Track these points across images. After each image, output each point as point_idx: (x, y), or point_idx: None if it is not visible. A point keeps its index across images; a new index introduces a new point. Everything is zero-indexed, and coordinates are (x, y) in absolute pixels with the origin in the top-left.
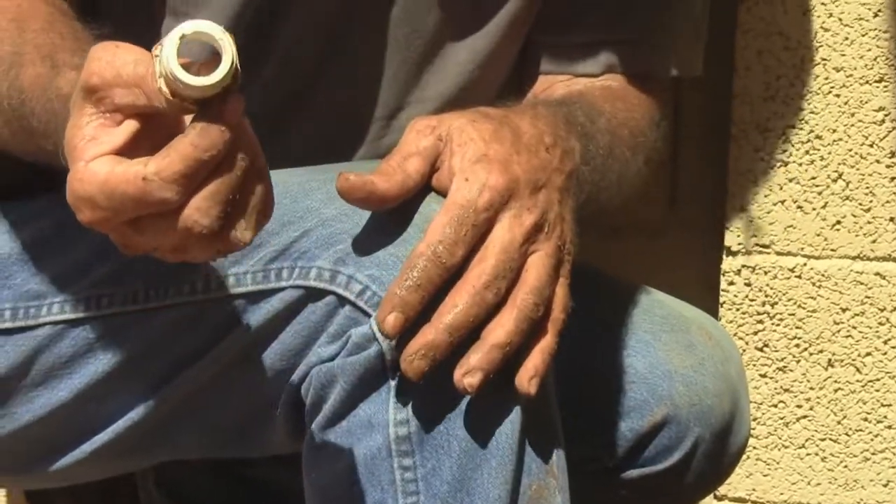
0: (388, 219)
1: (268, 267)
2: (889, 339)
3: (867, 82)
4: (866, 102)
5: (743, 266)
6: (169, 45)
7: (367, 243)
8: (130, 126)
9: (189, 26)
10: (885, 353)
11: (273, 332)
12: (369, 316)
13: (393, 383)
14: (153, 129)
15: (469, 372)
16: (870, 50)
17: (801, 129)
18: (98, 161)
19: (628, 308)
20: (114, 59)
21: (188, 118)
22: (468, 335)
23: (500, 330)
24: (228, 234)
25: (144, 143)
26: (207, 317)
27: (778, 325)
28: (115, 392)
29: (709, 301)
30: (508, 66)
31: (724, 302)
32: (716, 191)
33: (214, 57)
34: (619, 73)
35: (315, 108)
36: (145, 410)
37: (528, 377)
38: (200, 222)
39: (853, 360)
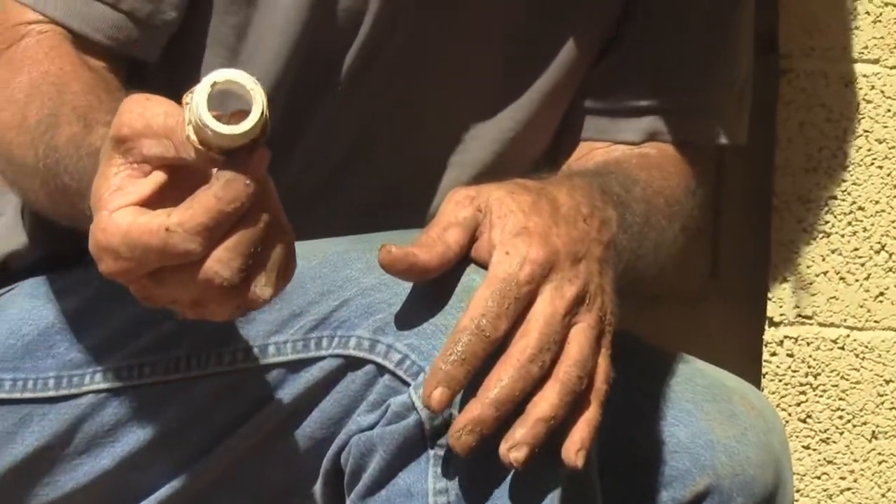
0: (428, 289)
1: (308, 336)
2: None
3: None
4: None
5: (785, 337)
6: (200, 92)
7: (406, 313)
8: (157, 177)
9: (221, 74)
10: None
11: (313, 400)
12: (408, 385)
13: (432, 452)
14: (180, 182)
15: (515, 446)
16: None
17: (844, 200)
18: (122, 211)
19: (670, 377)
20: (144, 110)
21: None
22: (514, 409)
23: (545, 404)
24: (248, 289)
25: (170, 194)
26: (248, 386)
27: (821, 396)
28: (157, 460)
29: (751, 372)
30: (549, 133)
31: (766, 373)
32: (758, 261)
33: (242, 110)
34: (660, 140)
35: (358, 176)
36: (187, 479)
37: (574, 450)
38: (221, 274)
39: None
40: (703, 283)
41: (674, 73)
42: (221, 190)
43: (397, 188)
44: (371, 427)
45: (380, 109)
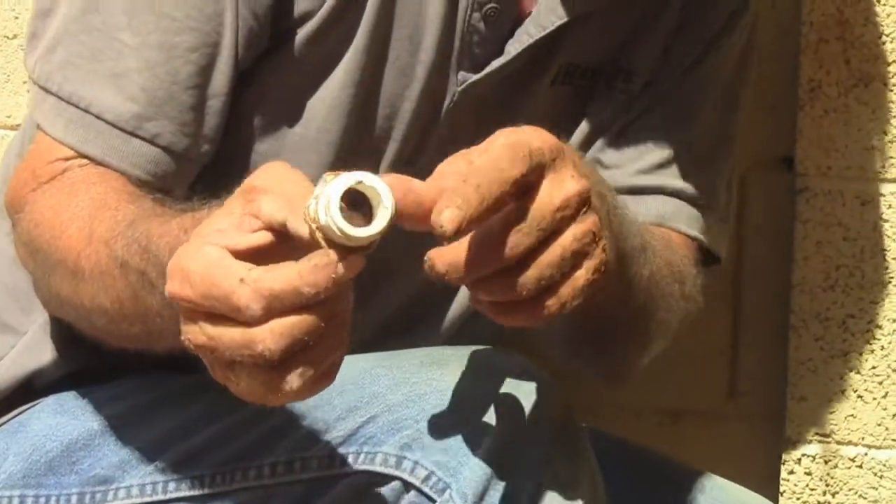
0: (455, 406)
1: (334, 452)
2: None
3: None
4: None
5: (803, 455)
6: (337, 192)
7: (433, 429)
8: (261, 237)
9: (363, 177)
10: None
11: None
12: (434, 501)
13: None
14: (278, 249)
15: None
16: None
17: (862, 318)
18: (214, 248)
19: (690, 493)
20: (284, 174)
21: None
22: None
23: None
24: (282, 378)
25: (264, 256)
26: (274, 502)
27: None
28: None
29: (769, 489)
30: None
31: (783, 491)
32: (776, 380)
33: (365, 212)
34: (671, 229)
35: (381, 294)
36: None
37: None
38: (266, 344)
39: None
40: (722, 401)
41: (683, 161)
42: (308, 271)
43: (416, 302)
44: None
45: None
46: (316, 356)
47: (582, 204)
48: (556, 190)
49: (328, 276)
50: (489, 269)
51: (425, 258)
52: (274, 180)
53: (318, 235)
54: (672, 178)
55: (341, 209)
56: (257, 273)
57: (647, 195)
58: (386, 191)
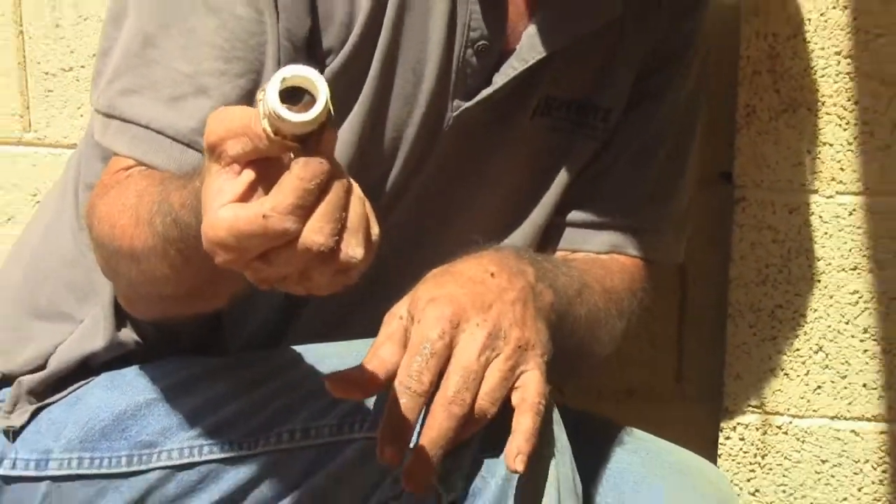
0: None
1: (342, 421)
2: (862, 487)
3: (843, 270)
4: (842, 287)
5: (738, 423)
6: (271, 88)
7: None
8: (247, 175)
9: (288, 70)
10: (860, 500)
11: (348, 475)
12: None
13: None
14: (269, 175)
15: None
16: (845, 243)
17: (788, 309)
18: (224, 208)
19: (645, 455)
20: (223, 115)
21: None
22: (453, 442)
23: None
24: (341, 253)
25: (263, 187)
26: (292, 463)
27: (767, 473)
28: None
29: (710, 453)
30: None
31: (721, 454)
32: (716, 361)
33: (308, 101)
34: (618, 253)
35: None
36: None
37: (513, 456)
38: (317, 241)
39: (832, 503)
40: (671, 380)
41: (641, 195)
42: (301, 171)
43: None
44: (397, 497)
45: (407, 236)
46: (351, 217)
47: (497, 338)
48: (472, 343)
49: (318, 164)
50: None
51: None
52: (220, 126)
53: (271, 132)
54: (626, 215)
55: (288, 103)
56: (270, 202)
57: (602, 230)
58: (320, 80)
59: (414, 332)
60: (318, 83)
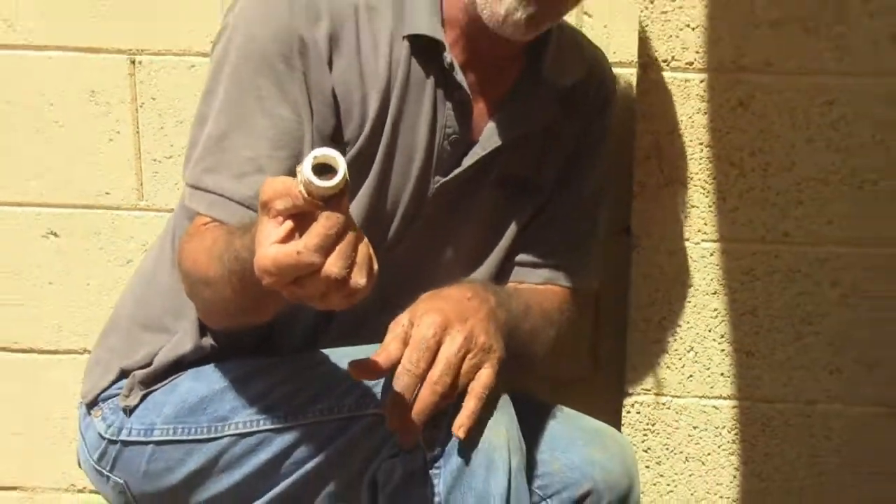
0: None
1: (357, 402)
2: (721, 445)
3: (707, 294)
4: (707, 305)
5: (635, 402)
6: (306, 163)
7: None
8: (288, 224)
9: (319, 151)
10: (719, 453)
11: (360, 440)
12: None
13: (430, 472)
14: (303, 225)
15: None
16: (708, 274)
17: (669, 320)
18: (271, 246)
19: (568, 423)
20: (273, 182)
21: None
22: (435, 411)
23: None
24: (351, 283)
25: (298, 233)
26: (321, 432)
27: (656, 437)
28: (266, 476)
29: (616, 422)
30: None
31: (624, 423)
32: (620, 358)
33: (331, 174)
34: (551, 284)
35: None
36: (284, 486)
37: (457, 427)
38: (334, 272)
39: (700, 457)
40: (590, 370)
41: (567, 243)
42: (325, 222)
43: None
44: (394, 455)
45: (405, 270)
46: (358, 263)
47: (470, 342)
48: (452, 344)
49: (336, 217)
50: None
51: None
52: (271, 188)
53: (313, 200)
54: (557, 257)
55: (317, 175)
56: (303, 242)
57: (540, 268)
58: (340, 158)
59: (414, 333)
60: (339, 161)
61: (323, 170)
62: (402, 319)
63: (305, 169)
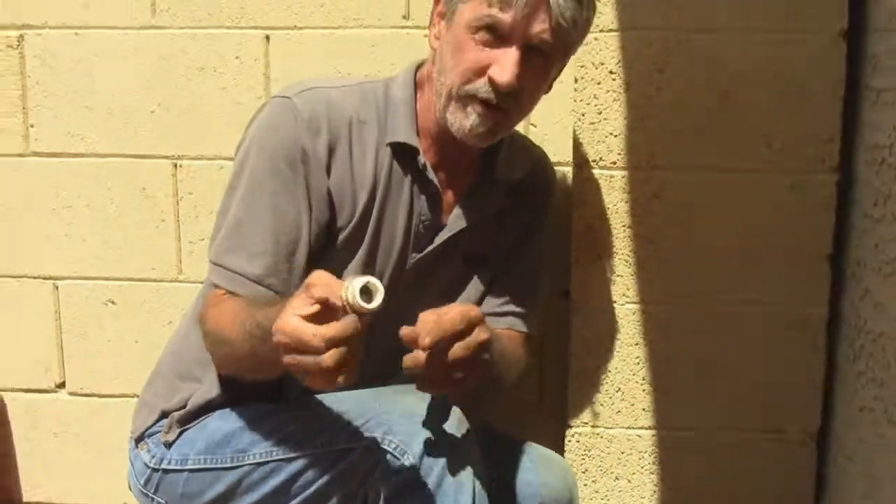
0: (410, 413)
1: (352, 435)
2: (644, 466)
3: (631, 345)
4: (630, 355)
5: (575, 432)
6: (358, 282)
7: (399, 424)
8: (316, 308)
9: (370, 279)
10: (640, 472)
11: (352, 470)
12: (399, 459)
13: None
14: (327, 315)
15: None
16: (630, 331)
17: (602, 369)
18: (294, 318)
19: (524, 451)
20: (326, 276)
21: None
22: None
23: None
24: (335, 375)
25: (320, 319)
26: (322, 461)
27: (592, 460)
28: (280, 496)
29: (560, 449)
30: None
31: (567, 449)
32: (562, 395)
33: (369, 295)
34: (514, 329)
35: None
36: (295, 503)
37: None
38: (328, 363)
39: (627, 476)
40: (535, 404)
41: (520, 298)
42: (344, 325)
43: (389, 357)
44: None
45: (387, 326)
46: (348, 365)
47: (487, 343)
48: (477, 336)
49: (354, 328)
50: (437, 369)
51: (403, 361)
52: (321, 279)
53: (347, 307)
54: (514, 307)
55: (360, 293)
56: (320, 329)
57: (503, 317)
58: (381, 287)
59: (447, 317)
60: (381, 290)
61: (365, 290)
62: (434, 312)
63: (356, 284)
